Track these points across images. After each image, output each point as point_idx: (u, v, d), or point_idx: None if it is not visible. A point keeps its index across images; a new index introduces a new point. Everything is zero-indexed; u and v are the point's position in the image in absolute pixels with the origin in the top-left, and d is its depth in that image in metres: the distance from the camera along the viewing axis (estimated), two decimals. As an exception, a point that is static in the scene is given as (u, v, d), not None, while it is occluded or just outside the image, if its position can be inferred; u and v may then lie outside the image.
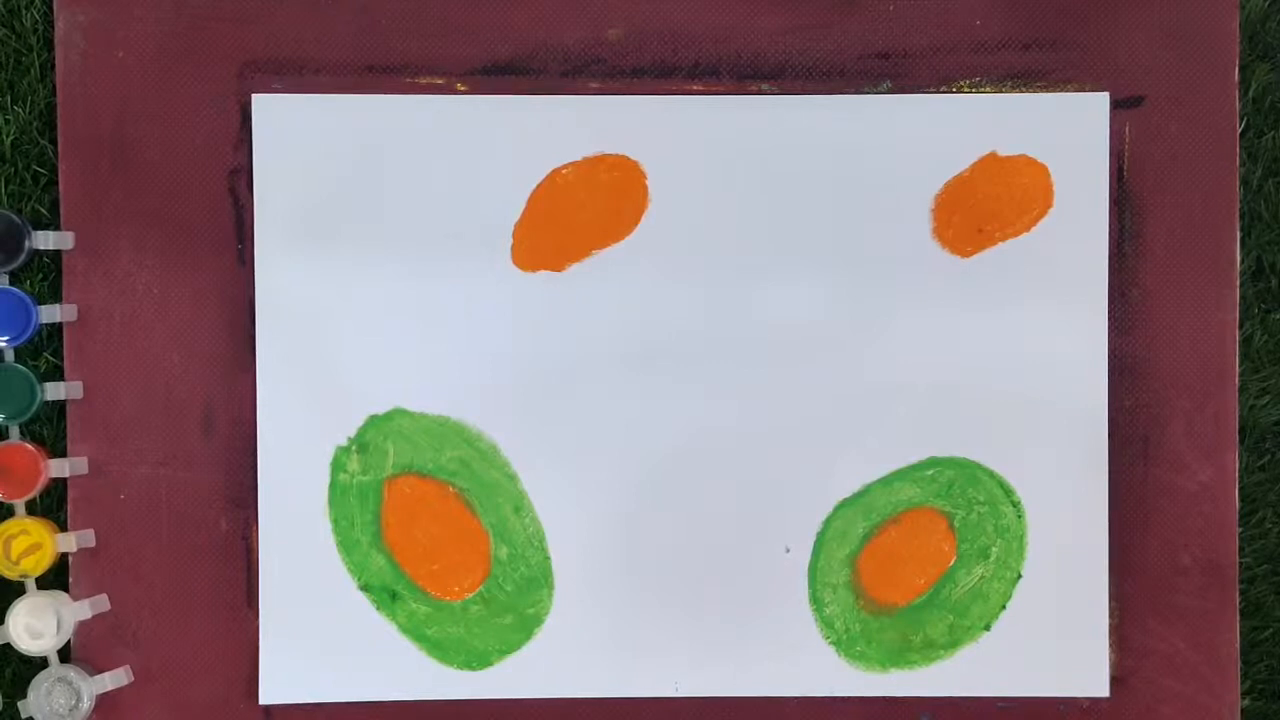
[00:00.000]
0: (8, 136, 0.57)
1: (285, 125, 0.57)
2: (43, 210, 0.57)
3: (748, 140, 0.57)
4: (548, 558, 0.58)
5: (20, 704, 0.55)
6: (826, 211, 0.57)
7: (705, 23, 0.57)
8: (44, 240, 0.55)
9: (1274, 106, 0.59)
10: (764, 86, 0.57)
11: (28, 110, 0.57)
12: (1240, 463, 0.58)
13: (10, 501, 0.56)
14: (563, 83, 0.57)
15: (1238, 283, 0.58)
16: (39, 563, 0.55)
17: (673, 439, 0.57)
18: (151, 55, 0.57)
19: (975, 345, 0.58)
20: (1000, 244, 0.58)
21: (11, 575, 0.56)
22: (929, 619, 0.58)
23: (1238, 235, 0.58)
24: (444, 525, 0.58)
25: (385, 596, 0.58)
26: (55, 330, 0.57)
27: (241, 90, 0.57)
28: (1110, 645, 0.58)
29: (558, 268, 0.57)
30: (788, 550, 0.58)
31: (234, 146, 0.57)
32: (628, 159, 0.57)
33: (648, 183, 0.57)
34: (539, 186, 0.57)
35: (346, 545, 0.57)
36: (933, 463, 0.58)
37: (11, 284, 0.56)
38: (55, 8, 0.56)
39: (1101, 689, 0.58)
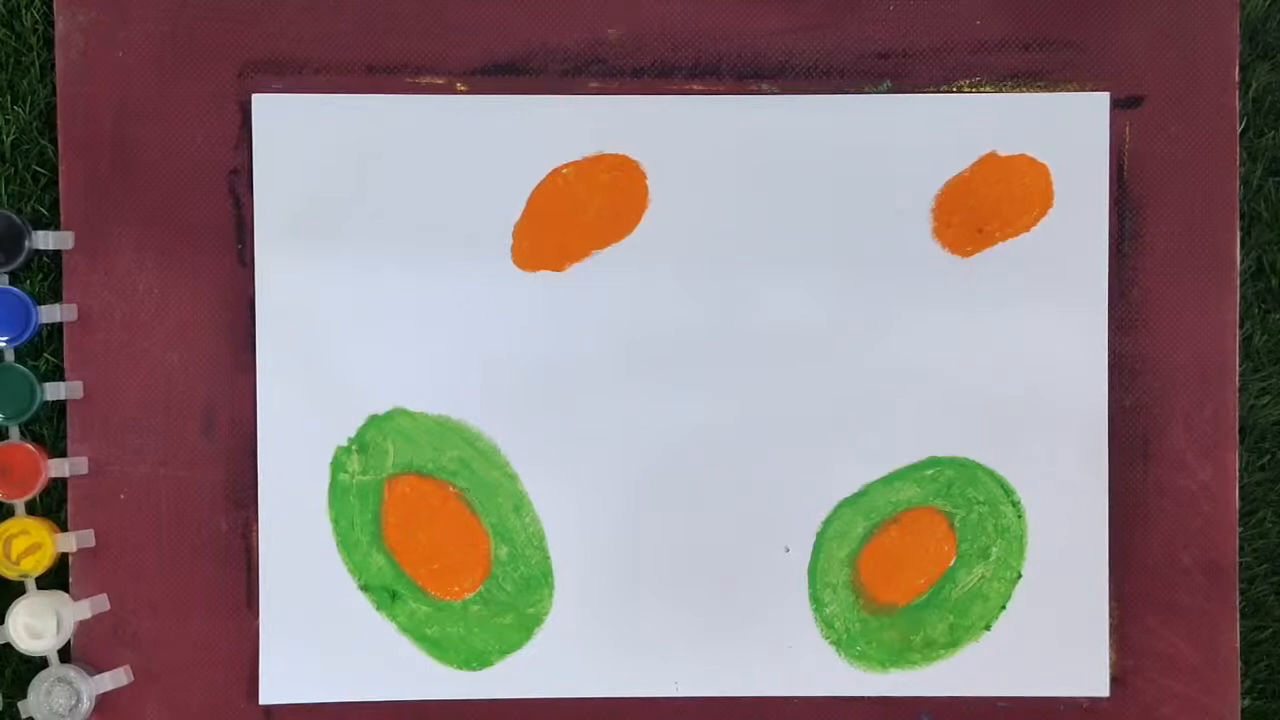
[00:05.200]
0: (8, 136, 0.57)
1: (285, 125, 0.57)
2: (43, 210, 0.57)
3: (748, 140, 0.57)
4: (548, 558, 0.58)
5: (20, 704, 0.55)
6: (826, 211, 0.57)
7: (705, 23, 0.57)
8: (44, 240, 0.55)
9: (1274, 106, 0.59)
10: (764, 86, 0.57)
11: (28, 110, 0.57)
12: (1240, 462, 0.58)
13: (10, 501, 0.56)
14: (563, 83, 0.57)
15: (1238, 283, 0.58)
16: (39, 563, 0.55)
17: (673, 439, 0.57)
18: (151, 55, 0.57)
19: (975, 345, 0.58)
20: (1000, 244, 0.58)
21: (11, 575, 0.56)
22: (929, 619, 0.58)
23: (1238, 235, 0.58)
24: (444, 525, 0.58)
25: (385, 596, 0.58)
26: (55, 330, 0.57)
27: (241, 90, 0.57)
28: (1110, 645, 0.58)
29: (558, 268, 0.57)
30: (788, 550, 0.58)
31: (234, 146, 0.57)
32: (628, 159, 0.57)
33: (648, 183, 0.57)
34: (539, 186, 0.57)
35: (346, 545, 0.57)
36: (933, 462, 0.58)
37: (11, 284, 0.56)
38: (55, 8, 0.56)
39: (1101, 689, 0.58)
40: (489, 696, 0.58)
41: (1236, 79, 0.57)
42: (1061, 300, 0.58)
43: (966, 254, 0.58)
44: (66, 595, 0.56)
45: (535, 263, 0.57)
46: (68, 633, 0.55)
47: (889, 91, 0.57)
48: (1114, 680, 0.58)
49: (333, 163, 0.57)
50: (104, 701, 0.56)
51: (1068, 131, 0.57)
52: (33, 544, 0.55)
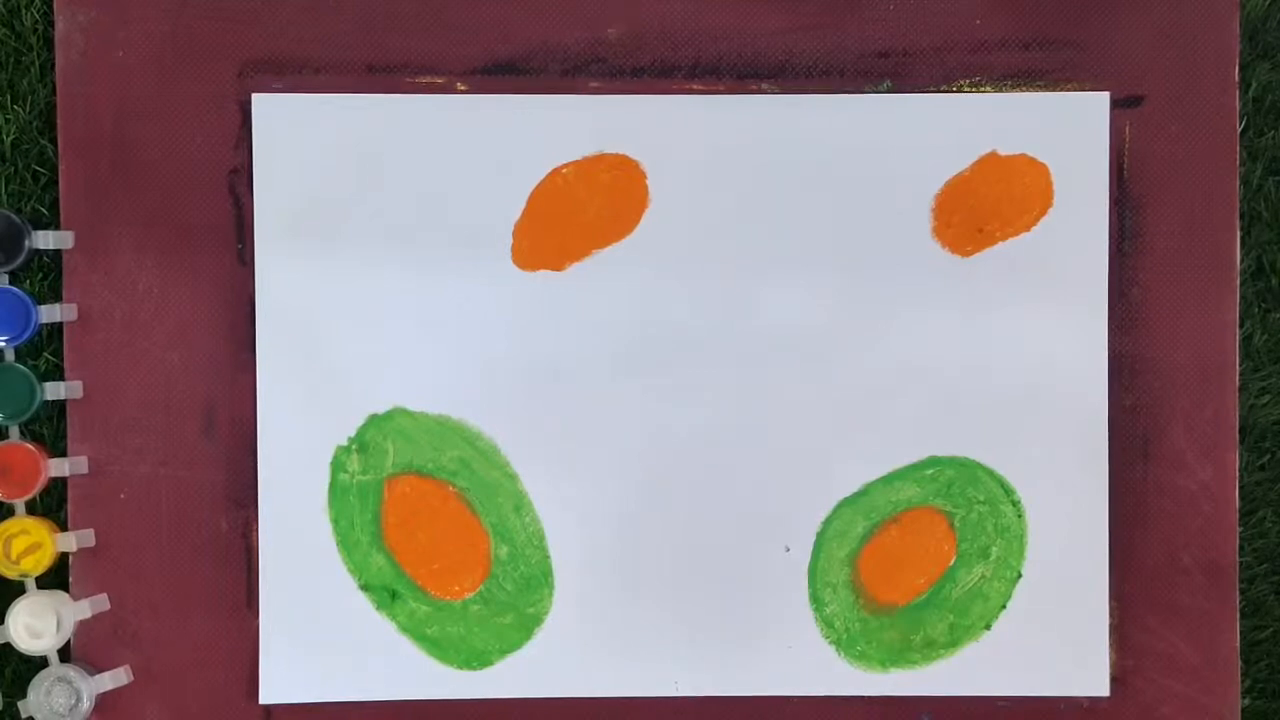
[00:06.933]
0: (8, 136, 0.57)
1: (285, 125, 0.57)
2: (43, 210, 0.57)
3: (748, 140, 0.57)
4: (548, 557, 0.58)
5: (20, 704, 0.55)
6: (826, 211, 0.57)
7: (705, 23, 0.57)
8: (44, 240, 0.55)
9: (1274, 106, 0.59)
10: (764, 86, 0.57)
11: (28, 110, 0.57)
12: (1240, 462, 0.58)
13: (10, 501, 0.56)
14: (563, 83, 0.57)
15: (1238, 283, 0.58)
16: (39, 562, 0.55)
17: (673, 438, 0.57)
18: (151, 55, 0.57)
19: (975, 345, 0.58)
20: (1000, 244, 0.58)
21: (11, 575, 0.56)
22: (929, 618, 0.58)
23: (1238, 235, 0.58)
24: (444, 525, 0.58)
25: (385, 596, 0.58)
26: (55, 330, 0.57)
27: (241, 90, 0.57)
28: (1110, 645, 0.58)
29: (558, 268, 0.57)
30: (788, 550, 0.58)
31: (234, 146, 0.57)
32: (628, 159, 0.57)
33: (648, 182, 0.57)
34: (539, 186, 0.57)
35: (346, 545, 0.57)
36: (933, 462, 0.58)
37: (11, 284, 0.56)
38: (55, 8, 0.56)
39: (1101, 689, 0.58)
40: (489, 696, 0.58)
41: (1236, 79, 0.57)
42: (1061, 300, 0.58)
43: (966, 254, 0.58)
44: (66, 595, 0.56)
45: (535, 262, 0.57)
46: (68, 632, 0.55)
47: (889, 91, 0.57)
48: (1114, 680, 0.58)
49: (333, 163, 0.57)
50: (104, 701, 0.56)
51: (1068, 131, 0.57)
52: (33, 544, 0.55)
